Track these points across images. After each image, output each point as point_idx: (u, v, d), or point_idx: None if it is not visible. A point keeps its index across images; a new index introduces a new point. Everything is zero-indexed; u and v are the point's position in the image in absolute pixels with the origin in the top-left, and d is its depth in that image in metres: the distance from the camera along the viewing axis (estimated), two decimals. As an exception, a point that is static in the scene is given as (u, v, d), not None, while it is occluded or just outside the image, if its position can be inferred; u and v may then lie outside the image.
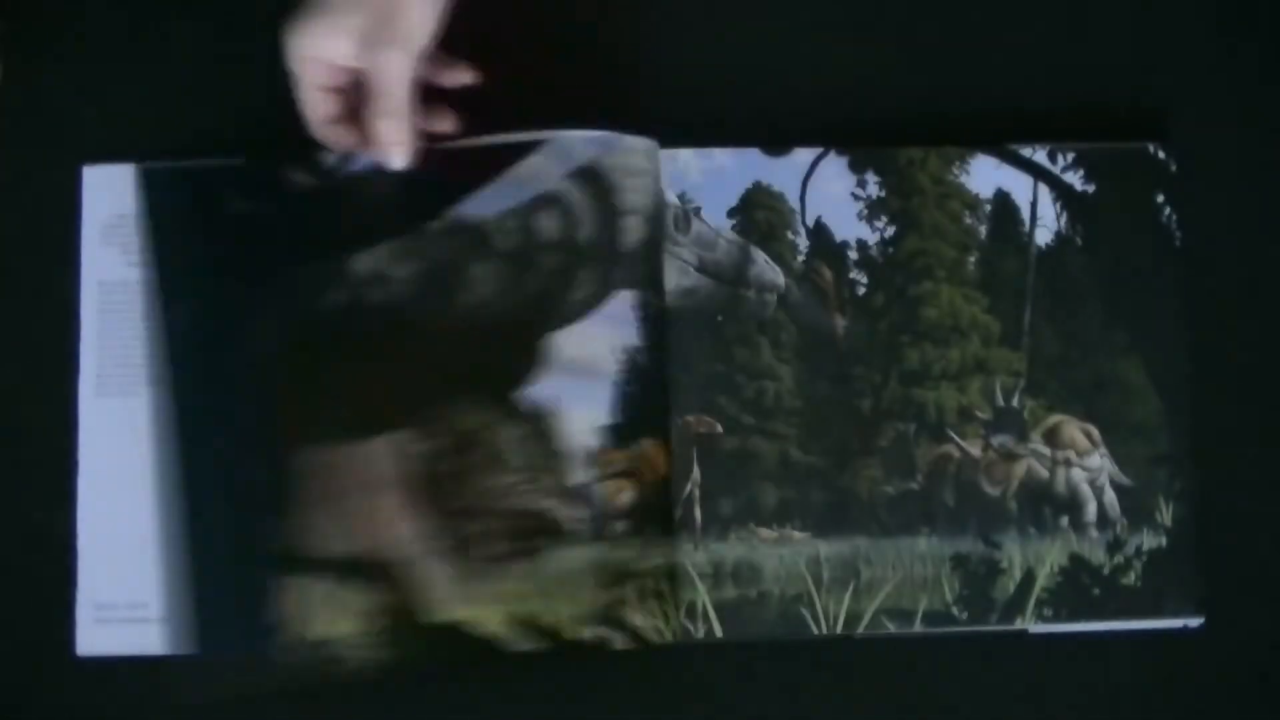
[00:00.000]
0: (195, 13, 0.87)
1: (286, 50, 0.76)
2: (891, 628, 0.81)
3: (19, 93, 0.86)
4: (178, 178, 0.83)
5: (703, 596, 0.81)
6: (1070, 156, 0.85)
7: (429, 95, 0.80)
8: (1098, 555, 0.82)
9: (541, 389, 0.81)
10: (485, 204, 0.82)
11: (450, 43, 0.79)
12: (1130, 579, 0.81)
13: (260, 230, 0.82)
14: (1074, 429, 0.83)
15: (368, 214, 0.82)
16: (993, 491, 0.83)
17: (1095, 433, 0.83)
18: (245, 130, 0.85)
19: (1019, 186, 0.85)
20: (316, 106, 0.79)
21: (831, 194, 0.84)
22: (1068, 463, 0.83)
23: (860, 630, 0.81)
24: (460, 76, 0.82)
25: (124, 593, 0.82)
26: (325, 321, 0.81)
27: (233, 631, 0.79)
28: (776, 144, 0.83)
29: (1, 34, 0.86)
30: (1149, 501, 0.82)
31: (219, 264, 0.82)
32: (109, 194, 0.85)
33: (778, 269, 0.84)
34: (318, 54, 0.76)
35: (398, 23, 0.75)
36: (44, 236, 0.85)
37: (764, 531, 0.82)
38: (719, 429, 0.82)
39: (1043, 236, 0.84)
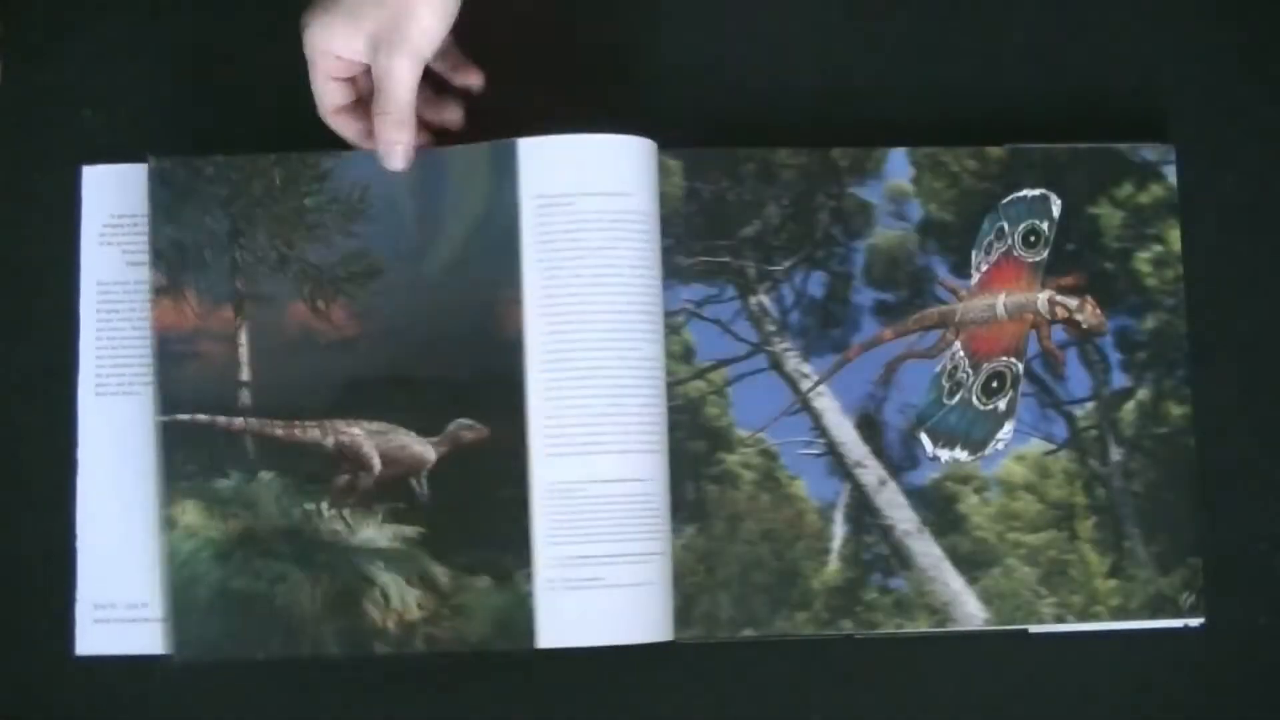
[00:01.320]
0: (195, 12, 0.87)
1: (301, 38, 0.77)
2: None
3: (19, 93, 0.86)
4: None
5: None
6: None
7: (439, 89, 0.81)
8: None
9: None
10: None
11: (456, 41, 0.79)
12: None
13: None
14: (1074, 429, 0.83)
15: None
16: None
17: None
18: (245, 130, 0.85)
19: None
20: (325, 95, 0.79)
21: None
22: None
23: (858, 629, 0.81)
24: (470, 79, 0.82)
25: (123, 593, 0.82)
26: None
27: None
28: (776, 144, 0.82)
29: (1, 34, 0.86)
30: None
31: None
32: (109, 194, 0.85)
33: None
34: (329, 47, 0.77)
35: (408, 28, 0.75)
36: (44, 236, 0.85)
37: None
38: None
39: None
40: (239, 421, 0.80)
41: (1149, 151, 0.84)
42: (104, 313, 0.84)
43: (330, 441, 0.80)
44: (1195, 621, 0.81)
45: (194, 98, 0.86)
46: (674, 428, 0.81)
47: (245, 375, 0.81)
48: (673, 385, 0.82)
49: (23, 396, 0.84)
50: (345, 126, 0.80)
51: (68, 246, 0.85)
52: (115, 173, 0.85)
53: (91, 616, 0.82)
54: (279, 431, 0.80)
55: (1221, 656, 0.82)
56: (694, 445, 0.81)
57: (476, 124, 0.83)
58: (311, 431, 0.80)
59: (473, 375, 0.80)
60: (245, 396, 0.80)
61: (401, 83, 0.76)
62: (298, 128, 0.82)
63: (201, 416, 0.80)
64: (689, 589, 0.80)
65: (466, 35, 0.80)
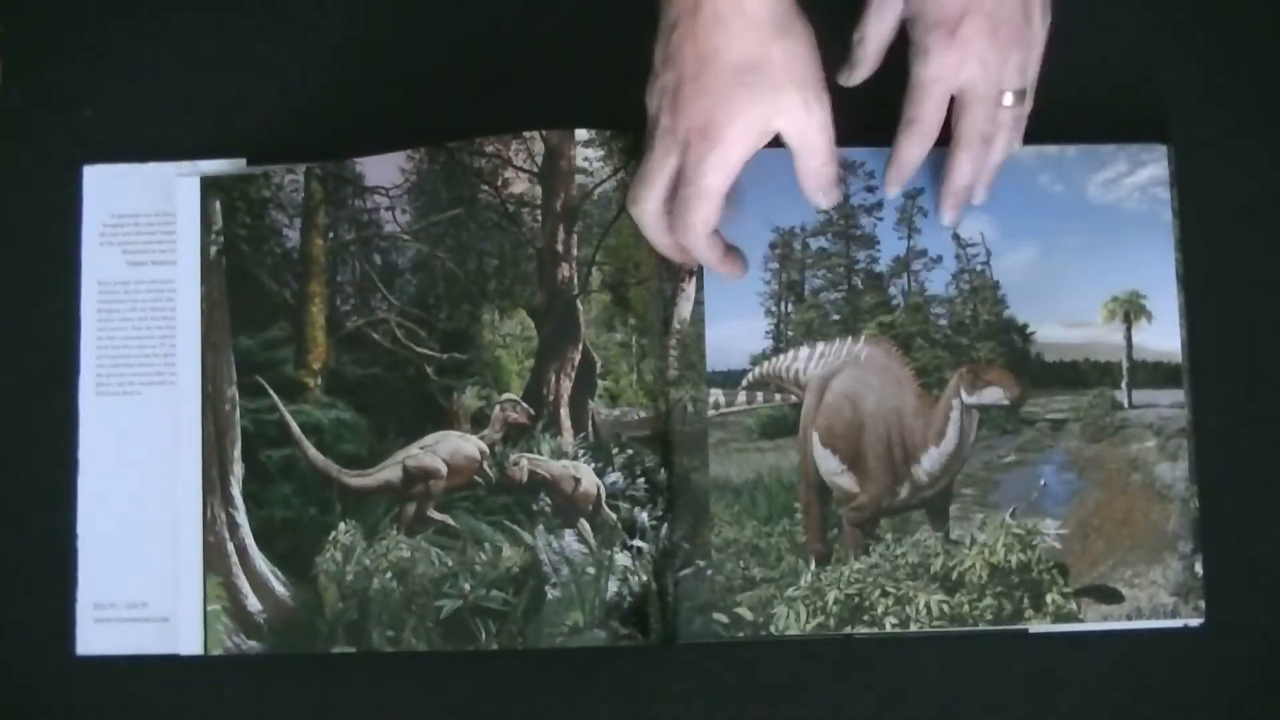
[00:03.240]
0: (196, 13, 0.87)
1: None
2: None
3: (19, 93, 0.86)
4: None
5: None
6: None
7: None
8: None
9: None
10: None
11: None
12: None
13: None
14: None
15: None
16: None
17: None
18: (245, 130, 0.85)
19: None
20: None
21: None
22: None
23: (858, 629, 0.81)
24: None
25: (123, 593, 0.82)
26: None
27: None
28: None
29: (1, 34, 0.86)
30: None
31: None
32: (109, 194, 0.85)
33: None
34: None
35: None
36: (44, 236, 0.85)
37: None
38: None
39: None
40: None
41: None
42: (104, 313, 0.84)
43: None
44: (1195, 621, 0.81)
45: (194, 98, 0.86)
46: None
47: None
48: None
49: (23, 396, 0.84)
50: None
51: (68, 246, 0.85)
52: (115, 173, 0.85)
53: (91, 616, 0.82)
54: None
55: (1221, 656, 0.82)
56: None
57: (478, 117, 0.83)
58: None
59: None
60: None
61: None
62: (299, 127, 0.82)
63: None
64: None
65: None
